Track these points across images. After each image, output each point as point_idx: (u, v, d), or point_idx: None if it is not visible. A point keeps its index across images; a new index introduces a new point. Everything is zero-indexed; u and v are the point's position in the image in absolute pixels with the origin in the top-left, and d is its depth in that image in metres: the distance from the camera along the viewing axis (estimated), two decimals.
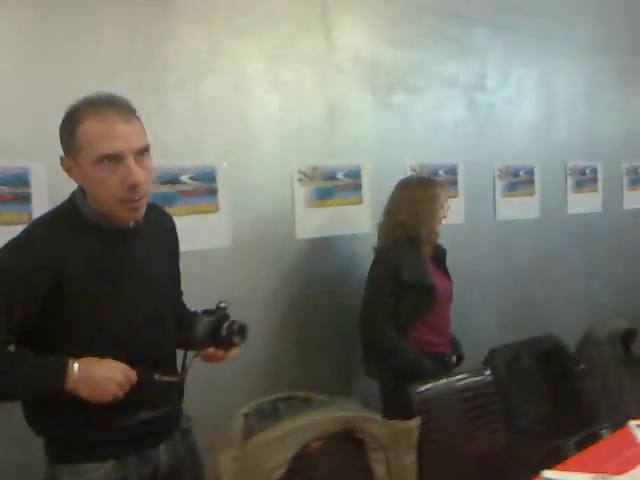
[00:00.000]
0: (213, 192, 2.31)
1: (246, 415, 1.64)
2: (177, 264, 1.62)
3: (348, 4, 2.73)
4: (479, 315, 3.32)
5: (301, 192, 2.60)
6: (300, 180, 2.60)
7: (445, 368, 2.45)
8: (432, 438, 2.06)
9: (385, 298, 2.44)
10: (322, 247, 2.70)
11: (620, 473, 1.79)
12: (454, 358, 2.64)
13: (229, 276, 2.34)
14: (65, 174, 1.35)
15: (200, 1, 2.29)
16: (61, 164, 1.37)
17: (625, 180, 4.33)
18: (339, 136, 2.74)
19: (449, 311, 2.65)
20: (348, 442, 1.82)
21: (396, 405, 2.23)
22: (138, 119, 1.38)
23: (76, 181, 1.38)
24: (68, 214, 1.39)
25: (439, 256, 2.65)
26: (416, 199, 2.51)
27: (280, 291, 2.56)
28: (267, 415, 1.77)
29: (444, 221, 2.59)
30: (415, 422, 1.88)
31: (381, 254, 2.53)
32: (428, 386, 2.10)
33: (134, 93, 2.13)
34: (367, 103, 2.83)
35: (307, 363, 2.67)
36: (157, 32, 2.20)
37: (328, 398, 1.92)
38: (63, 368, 1.31)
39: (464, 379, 2.20)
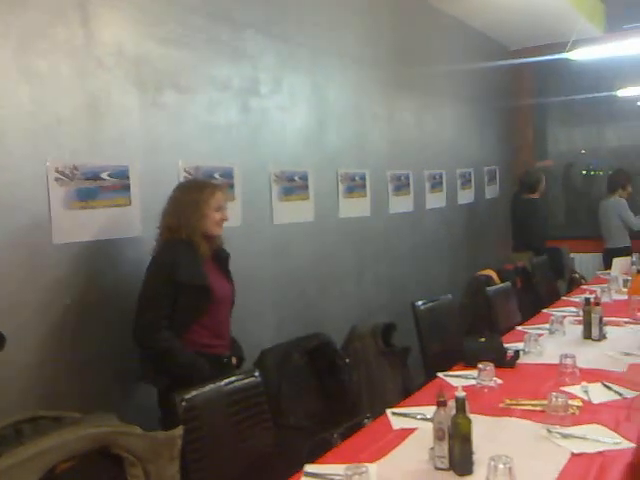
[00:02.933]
0: None
1: None
2: None
3: None
4: (256, 317, 3.36)
5: (59, 193, 2.39)
6: (57, 180, 2.39)
7: (223, 370, 2.42)
8: (199, 445, 2.02)
9: (159, 300, 2.39)
10: (85, 252, 2.51)
11: (374, 460, 1.91)
12: (234, 360, 2.63)
13: None
14: None
15: None
16: None
17: (390, 187, 4.69)
18: (103, 134, 2.58)
19: (229, 313, 2.65)
20: (104, 460, 1.71)
21: (170, 413, 2.15)
22: None
23: None
24: None
25: (220, 259, 2.64)
26: (181, 203, 2.50)
27: (34, 301, 2.33)
28: (9, 440, 1.60)
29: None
30: (178, 431, 1.82)
31: (155, 256, 2.46)
32: (194, 393, 2.05)
33: None
34: (133, 100, 2.71)
35: (75, 378, 2.47)
36: None
37: (82, 415, 1.78)
38: None
39: (232, 382, 2.20)
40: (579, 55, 5.06)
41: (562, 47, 5.11)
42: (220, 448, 2.09)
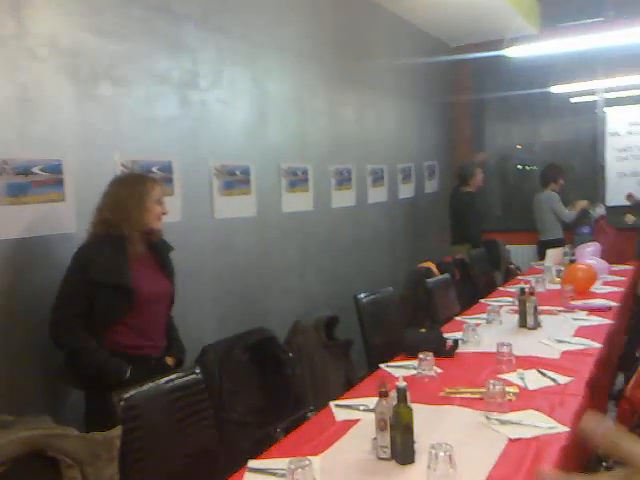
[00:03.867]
0: None
1: None
2: None
3: None
4: (198, 313, 3.32)
5: None
6: None
7: (153, 372, 2.31)
8: (140, 445, 1.98)
9: (74, 298, 2.31)
10: (16, 249, 2.42)
11: (318, 453, 1.92)
12: (170, 361, 2.56)
13: None
14: None
15: None
16: None
17: (332, 181, 4.71)
18: (35, 127, 2.49)
19: (164, 313, 2.58)
20: (40, 463, 1.66)
21: (100, 414, 2.10)
22: None
23: None
24: None
25: (162, 254, 2.58)
26: (122, 196, 2.43)
27: None
28: None
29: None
30: (116, 432, 1.79)
31: (77, 252, 2.38)
32: (133, 392, 2.01)
33: None
34: (68, 93, 2.62)
35: (5, 379, 2.38)
36: None
37: (14, 418, 1.73)
38: None
39: (173, 380, 2.16)
40: (515, 52, 5.20)
41: (500, 44, 5.24)
42: (161, 447, 2.06)
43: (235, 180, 3.68)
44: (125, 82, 2.91)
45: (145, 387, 2.05)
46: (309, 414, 2.42)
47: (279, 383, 2.74)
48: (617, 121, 6.32)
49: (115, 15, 2.83)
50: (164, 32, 3.12)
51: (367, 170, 5.17)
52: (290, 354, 2.80)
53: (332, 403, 2.33)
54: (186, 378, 2.20)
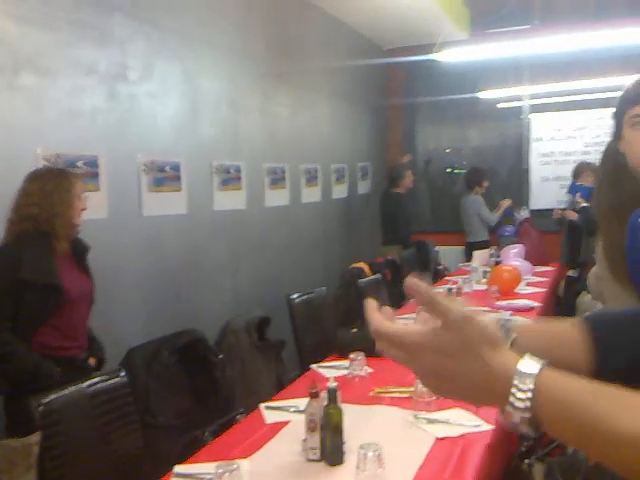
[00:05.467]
0: None
1: None
2: None
3: None
4: (124, 314, 3.21)
5: None
6: None
7: (79, 373, 2.28)
8: (60, 451, 1.90)
9: (0, 300, 2.21)
10: None
11: (247, 456, 1.89)
12: (92, 361, 2.50)
13: None
14: None
15: None
16: None
17: (266, 180, 4.67)
18: None
19: (86, 313, 2.51)
20: None
21: (19, 420, 2.00)
22: None
23: None
24: None
25: (79, 252, 2.49)
26: (48, 191, 2.34)
27: None
28: None
29: (85, 216, 2.46)
30: (34, 438, 1.71)
31: (0, 252, 2.27)
32: (53, 396, 1.92)
33: None
34: None
35: None
36: None
37: None
38: None
39: (96, 384, 2.08)
40: (445, 57, 5.30)
41: (431, 48, 5.33)
42: (83, 453, 1.98)
43: (165, 176, 3.58)
44: (48, 72, 2.78)
45: (66, 391, 1.96)
46: (239, 417, 2.37)
47: (208, 386, 2.69)
48: (541, 127, 6.56)
49: (39, 3, 2.70)
50: (91, 22, 3.00)
51: (301, 169, 5.16)
52: (220, 355, 2.75)
53: (262, 405, 2.30)
54: (110, 381, 2.12)
